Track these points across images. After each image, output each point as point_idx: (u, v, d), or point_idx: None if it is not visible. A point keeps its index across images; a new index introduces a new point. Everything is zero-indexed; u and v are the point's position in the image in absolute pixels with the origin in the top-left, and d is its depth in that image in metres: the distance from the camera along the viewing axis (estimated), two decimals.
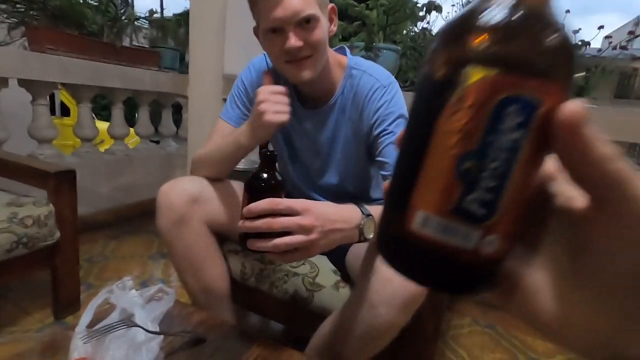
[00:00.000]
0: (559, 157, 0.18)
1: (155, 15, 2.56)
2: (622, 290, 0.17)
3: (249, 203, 0.58)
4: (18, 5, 1.78)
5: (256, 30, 0.80)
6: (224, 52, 1.75)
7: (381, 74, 0.83)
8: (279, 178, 0.62)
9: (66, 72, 1.80)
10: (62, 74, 1.79)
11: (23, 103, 1.80)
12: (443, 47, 0.19)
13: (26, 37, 1.80)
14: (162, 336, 0.59)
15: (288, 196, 0.64)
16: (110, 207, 2.11)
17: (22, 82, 1.72)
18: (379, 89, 0.80)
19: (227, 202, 0.87)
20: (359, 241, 0.68)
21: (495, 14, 0.17)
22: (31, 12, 1.80)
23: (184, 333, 0.65)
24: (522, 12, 0.17)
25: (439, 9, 2.12)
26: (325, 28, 0.76)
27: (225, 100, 0.97)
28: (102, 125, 2.15)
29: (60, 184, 1.16)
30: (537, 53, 0.17)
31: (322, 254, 0.67)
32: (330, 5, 0.80)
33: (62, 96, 4.28)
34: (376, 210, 0.68)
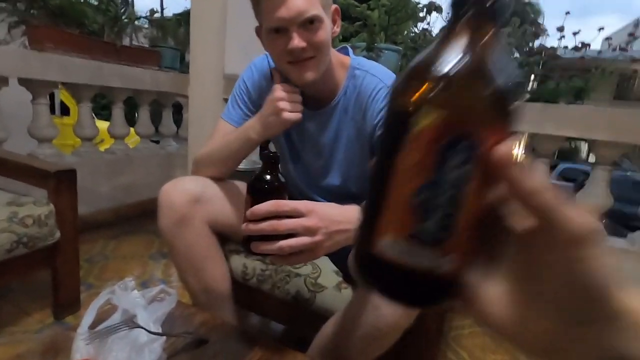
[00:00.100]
0: (502, 187, 0.21)
1: (155, 15, 2.55)
2: (560, 300, 0.20)
3: (252, 205, 0.58)
4: (18, 4, 1.77)
5: (258, 30, 0.80)
6: (225, 52, 1.75)
7: (384, 74, 0.83)
8: (282, 180, 0.62)
9: (66, 71, 1.79)
10: (62, 73, 1.78)
11: (23, 102, 1.79)
12: (401, 92, 0.22)
13: (26, 36, 1.79)
14: (164, 337, 0.58)
15: (290, 198, 0.64)
16: (111, 207, 2.11)
17: (22, 81, 1.72)
18: (382, 89, 0.80)
19: (228, 202, 0.87)
20: None
21: (443, 68, 0.20)
22: (31, 11, 1.80)
23: (187, 334, 0.64)
24: (467, 67, 0.20)
25: (439, 9, 2.12)
26: (328, 29, 0.76)
27: (226, 100, 0.97)
28: (102, 125, 2.15)
29: (61, 183, 1.16)
30: (477, 103, 0.20)
31: (325, 255, 0.67)
32: (334, 6, 0.79)
33: (62, 95, 4.27)
34: None
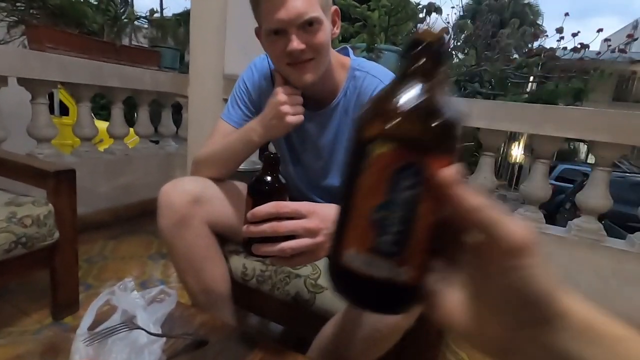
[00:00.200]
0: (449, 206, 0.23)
1: (155, 15, 2.55)
2: (505, 305, 0.22)
3: (252, 207, 0.57)
4: (18, 4, 1.77)
5: (258, 31, 0.80)
6: (225, 52, 1.75)
7: (385, 75, 0.83)
8: (283, 181, 0.62)
9: (66, 71, 1.79)
10: (61, 72, 1.78)
11: (22, 102, 1.79)
12: (362, 123, 0.25)
13: (26, 36, 1.79)
14: (164, 339, 0.58)
15: (290, 199, 0.64)
16: (110, 207, 2.10)
17: (22, 81, 1.71)
18: None
19: (228, 202, 0.86)
20: None
21: (395, 106, 0.24)
22: (31, 11, 1.80)
23: (186, 335, 0.64)
24: (415, 105, 0.24)
25: (438, 10, 2.12)
26: (328, 31, 0.76)
27: (226, 100, 0.97)
28: (102, 125, 2.15)
29: (60, 183, 1.16)
30: (423, 135, 0.23)
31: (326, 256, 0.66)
32: (334, 7, 0.79)
33: (62, 95, 4.27)
34: None
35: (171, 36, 2.55)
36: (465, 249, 0.25)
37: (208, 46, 1.77)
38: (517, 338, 0.22)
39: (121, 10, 2.21)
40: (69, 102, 4.27)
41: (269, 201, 0.57)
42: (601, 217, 1.54)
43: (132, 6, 2.38)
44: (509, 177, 12.96)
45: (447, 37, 0.27)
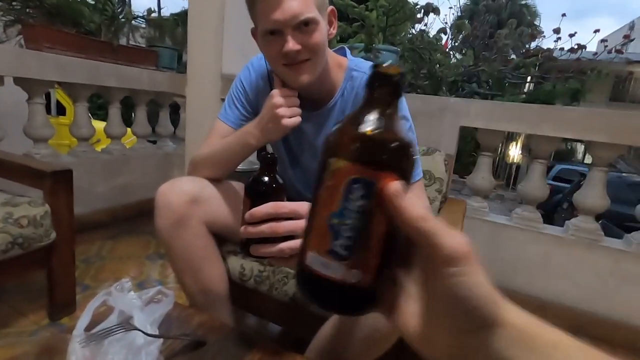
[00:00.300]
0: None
1: (152, 15, 2.54)
2: (448, 312, 0.23)
3: (250, 208, 0.57)
4: (14, 3, 1.76)
5: (254, 32, 0.80)
6: (222, 52, 1.74)
7: None
8: (280, 181, 0.61)
9: (63, 70, 1.78)
10: (58, 72, 1.77)
11: (19, 102, 1.78)
12: (327, 141, 0.29)
13: (22, 35, 1.78)
14: (161, 339, 0.58)
15: (288, 199, 0.64)
16: (107, 207, 2.10)
17: (18, 81, 1.70)
18: None
19: (226, 202, 0.86)
20: None
21: (352, 130, 0.28)
22: (28, 10, 1.79)
23: (184, 336, 0.64)
24: (368, 127, 0.27)
25: (436, 11, 2.13)
26: (324, 31, 0.76)
27: (223, 100, 0.97)
28: (99, 125, 2.14)
29: (57, 183, 1.15)
30: (374, 154, 0.27)
31: None
32: (330, 7, 0.79)
33: (58, 95, 4.24)
34: None
35: (169, 36, 2.54)
36: (416, 260, 0.27)
37: (206, 46, 1.77)
38: (463, 347, 0.23)
39: (118, 10, 2.20)
40: (66, 101, 4.25)
41: (267, 202, 0.57)
42: (598, 217, 1.55)
43: (130, 6, 2.38)
44: (507, 177, 12.99)
45: (404, 75, 0.30)
